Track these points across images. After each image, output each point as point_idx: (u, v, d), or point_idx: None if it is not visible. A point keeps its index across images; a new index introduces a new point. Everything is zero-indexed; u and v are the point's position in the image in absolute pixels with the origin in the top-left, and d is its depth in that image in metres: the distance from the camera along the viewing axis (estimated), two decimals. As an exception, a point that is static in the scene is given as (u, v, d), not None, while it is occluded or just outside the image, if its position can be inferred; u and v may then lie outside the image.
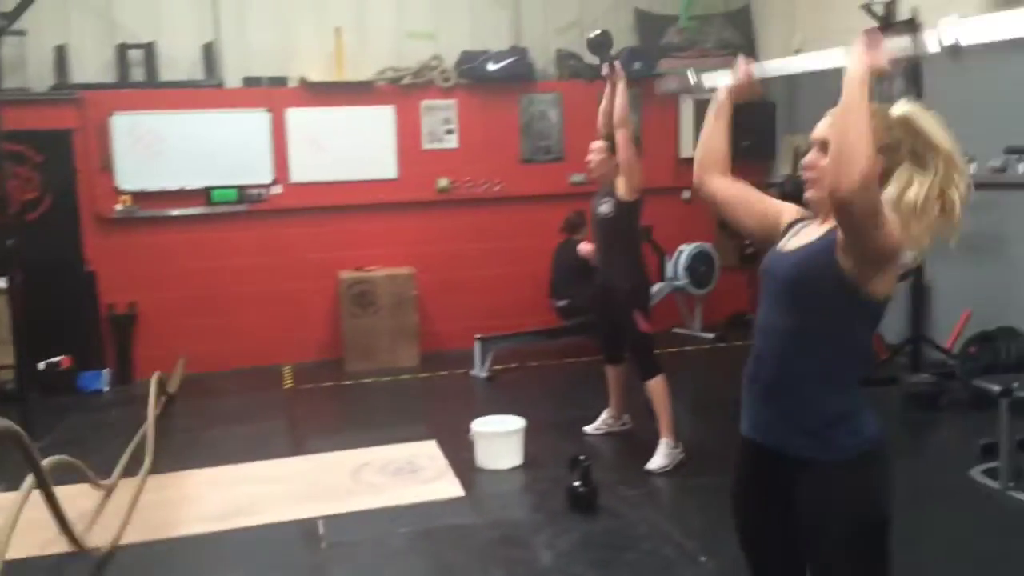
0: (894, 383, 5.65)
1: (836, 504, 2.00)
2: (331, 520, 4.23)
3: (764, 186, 8.08)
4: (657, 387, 4.83)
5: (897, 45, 1.84)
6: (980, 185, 6.91)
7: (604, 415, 5.35)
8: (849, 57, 1.84)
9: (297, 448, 5.39)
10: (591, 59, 7.98)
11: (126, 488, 4.50)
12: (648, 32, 8.20)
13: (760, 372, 2.11)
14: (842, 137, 1.82)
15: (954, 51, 5.58)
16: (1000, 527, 3.89)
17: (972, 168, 6.01)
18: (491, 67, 7.60)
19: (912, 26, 6.49)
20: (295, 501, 4.48)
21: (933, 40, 5.55)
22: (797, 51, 8.05)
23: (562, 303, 7.13)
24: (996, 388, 4.12)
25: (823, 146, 2.02)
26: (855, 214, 1.82)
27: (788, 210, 2.24)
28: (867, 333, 2.04)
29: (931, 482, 4.21)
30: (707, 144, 2.31)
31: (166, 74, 7.21)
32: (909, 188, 1.94)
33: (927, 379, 5.73)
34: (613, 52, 5.11)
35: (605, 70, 4.90)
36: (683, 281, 7.70)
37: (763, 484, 2.15)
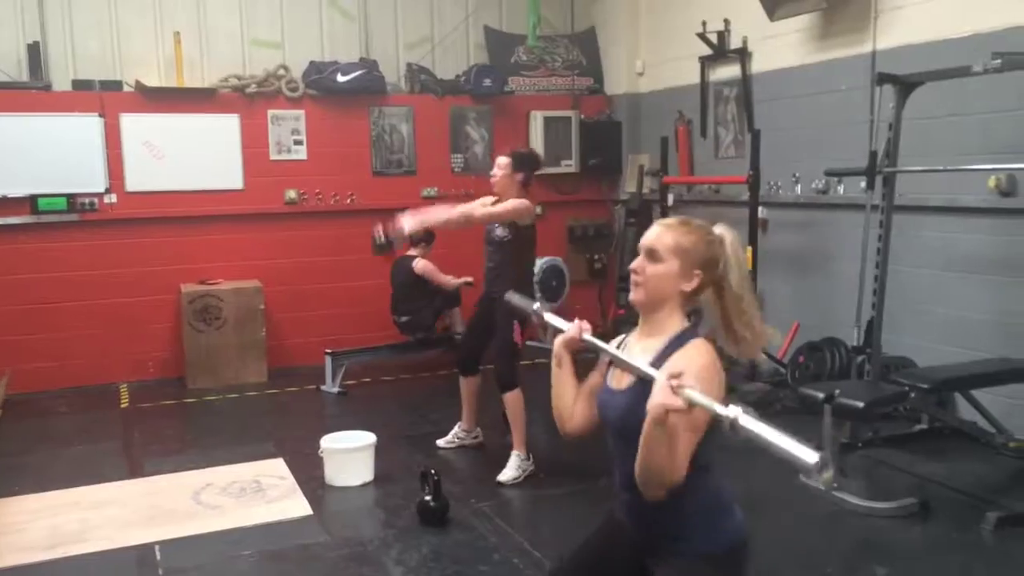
0: (732, 392, 5.92)
1: None
2: (169, 545, 4.04)
3: (612, 202, 8.45)
4: (514, 400, 4.88)
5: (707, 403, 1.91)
6: (805, 205, 7.40)
7: (456, 428, 5.36)
8: (652, 396, 1.85)
9: (133, 470, 5.12)
10: (442, 74, 8.06)
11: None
12: (498, 50, 8.33)
13: (624, 485, 2.14)
14: (646, 463, 1.92)
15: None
16: (824, 524, 4.16)
17: (797, 190, 6.45)
18: (340, 78, 7.49)
19: (742, 53, 6.92)
20: (130, 526, 4.25)
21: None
22: (640, 74, 8.41)
23: (403, 319, 7.08)
24: (820, 395, 4.42)
25: (649, 252, 2.13)
26: None
27: (604, 361, 2.29)
28: (712, 436, 2.05)
29: (764, 483, 4.44)
30: (558, 398, 2.32)
31: (-15, 74, 6.75)
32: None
33: (762, 387, 6.08)
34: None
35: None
36: (536, 295, 7.82)
37: (621, 559, 2.21)
